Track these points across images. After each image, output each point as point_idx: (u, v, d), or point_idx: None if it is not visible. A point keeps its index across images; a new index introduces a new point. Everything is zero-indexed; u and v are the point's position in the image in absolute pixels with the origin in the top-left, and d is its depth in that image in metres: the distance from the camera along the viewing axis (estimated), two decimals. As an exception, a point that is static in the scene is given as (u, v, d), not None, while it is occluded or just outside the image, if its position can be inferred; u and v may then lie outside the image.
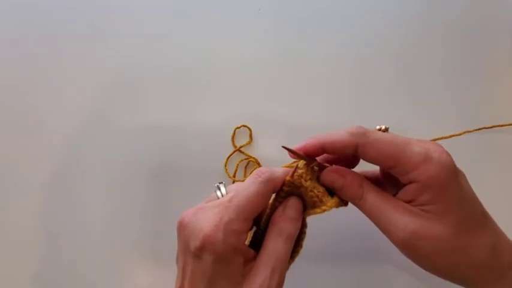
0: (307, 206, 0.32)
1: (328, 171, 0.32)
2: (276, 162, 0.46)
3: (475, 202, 0.30)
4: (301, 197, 0.32)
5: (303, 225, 0.33)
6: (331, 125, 0.47)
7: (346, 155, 0.33)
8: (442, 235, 0.28)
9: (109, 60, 0.50)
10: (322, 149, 0.31)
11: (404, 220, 0.29)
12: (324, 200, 0.31)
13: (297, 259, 0.34)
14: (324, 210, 0.31)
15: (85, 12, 0.52)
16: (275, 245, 0.30)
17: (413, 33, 0.51)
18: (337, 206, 0.32)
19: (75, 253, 0.46)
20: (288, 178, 0.32)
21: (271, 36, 0.51)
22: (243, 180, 0.46)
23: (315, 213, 0.32)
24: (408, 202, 0.30)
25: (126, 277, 0.45)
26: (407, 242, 0.29)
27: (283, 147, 0.32)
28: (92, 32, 0.51)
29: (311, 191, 0.31)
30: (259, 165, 0.47)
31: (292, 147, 0.32)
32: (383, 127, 0.39)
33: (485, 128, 0.47)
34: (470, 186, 0.31)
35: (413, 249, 0.29)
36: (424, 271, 0.31)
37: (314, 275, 0.44)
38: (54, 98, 0.49)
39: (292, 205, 0.32)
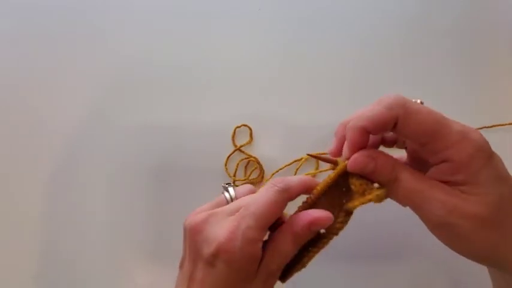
0: (354, 196, 0.30)
1: (358, 156, 0.30)
2: (276, 161, 0.47)
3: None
4: (348, 187, 0.31)
5: (345, 216, 0.31)
6: (331, 125, 0.46)
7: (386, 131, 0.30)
8: (482, 214, 0.27)
9: (109, 60, 0.50)
10: (367, 133, 0.29)
11: (442, 198, 0.28)
12: (371, 187, 0.30)
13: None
14: (379, 196, 0.29)
15: (85, 12, 0.52)
16: (286, 247, 0.30)
17: (413, 33, 0.51)
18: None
19: (75, 253, 0.46)
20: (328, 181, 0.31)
21: (271, 36, 0.51)
22: (243, 180, 0.46)
23: (365, 200, 0.29)
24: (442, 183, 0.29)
25: (126, 277, 0.45)
26: (445, 220, 0.28)
27: (309, 154, 0.31)
28: (92, 32, 0.51)
29: (357, 179, 0.30)
30: (259, 164, 0.47)
31: (333, 147, 0.32)
32: (418, 101, 0.35)
33: (485, 127, 0.47)
34: (505, 168, 0.29)
35: (450, 228, 0.28)
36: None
37: (315, 274, 0.44)
38: (54, 98, 0.49)
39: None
